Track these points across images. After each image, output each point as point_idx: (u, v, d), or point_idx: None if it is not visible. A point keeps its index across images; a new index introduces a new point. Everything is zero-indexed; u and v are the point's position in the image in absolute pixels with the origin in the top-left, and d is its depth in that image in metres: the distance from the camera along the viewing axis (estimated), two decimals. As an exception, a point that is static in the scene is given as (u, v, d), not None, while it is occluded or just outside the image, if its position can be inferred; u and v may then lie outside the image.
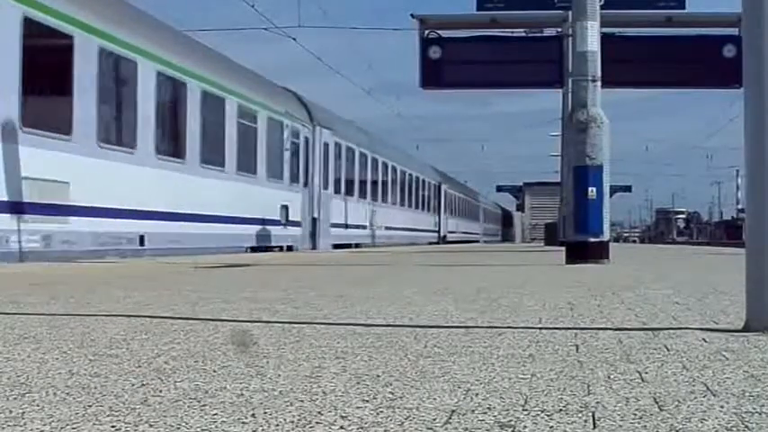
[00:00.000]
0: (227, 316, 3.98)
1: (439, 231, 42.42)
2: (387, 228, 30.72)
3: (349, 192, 25.83)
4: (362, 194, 27.73)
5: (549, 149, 69.19)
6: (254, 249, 18.27)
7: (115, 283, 6.43)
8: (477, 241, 58.16)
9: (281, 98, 21.05)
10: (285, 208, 20.42)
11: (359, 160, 27.18)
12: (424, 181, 39.20)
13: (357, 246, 26.01)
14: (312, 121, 22.50)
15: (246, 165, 18.11)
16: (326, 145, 23.36)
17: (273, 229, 19.60)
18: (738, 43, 6.93)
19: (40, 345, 2.97)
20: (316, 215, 22.27)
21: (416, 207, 37.43)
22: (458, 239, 48.13)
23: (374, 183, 29.37)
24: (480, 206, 65.21)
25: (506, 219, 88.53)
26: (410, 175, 35.95)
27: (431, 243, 38.53)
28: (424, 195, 39.21)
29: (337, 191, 24.38)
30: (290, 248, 20.49)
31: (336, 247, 23.13)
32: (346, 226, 25.38)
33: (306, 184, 21.88)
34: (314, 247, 21.77)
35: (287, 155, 20.63)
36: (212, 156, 16.48)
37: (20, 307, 4.43)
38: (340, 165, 24.83)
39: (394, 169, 32.67)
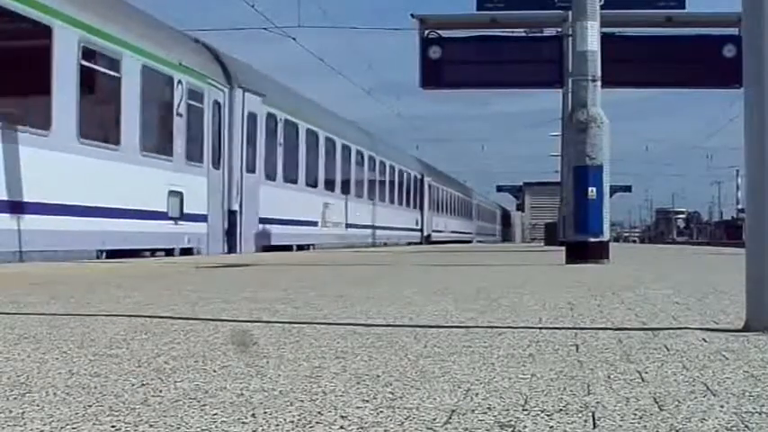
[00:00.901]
0: (227, 316, 3.98)
1: (422, 230, 37.88)
2: (349, 225, 25.62)
3: (290, 178, 20.26)
4: (311, 183, 21.95)
5: (549, 149, 69.12)
6: (113, 255, 12.83)
7: (115, 283, 6.43)
8: (470, 241, 54.41)
9: (178, 46, 15.53)
10: (177, 195, 14.82)
11: (306, 139, 21.47)
12: (401, 172, 34.16)
13: (304, 248, 21.11)
14: (230, 82, 16.94)
15: (101, 131, 12.74)
16: (253, 115, 17.70)
17: (148, 225, 13.94)
18: (738, 43, 6.92)
19: (40, 345, 2.97)
20: (234, 207, 16.79)
21: (391, 202, 32.20)
22: (445, 239, 43.61)
23: (330, 169, 23.66)
24: (473, 203, 60.95)
25: (505, 218, 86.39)
26: (382, 163, 30.54)
27: (411, 243, 34.18)
28: (401, 188, 34.10)
29: (271, 176, 18.88)
30: (187, 252, 15.20)
31: (270, 249, 18.16)
32: (285, 222, 19.72)
33: (218, 165, 16.42)
34: (230, 250, 16.58)
35: (180, 122, 14.93)
36: (27, 114, 11.21)
37: (20, 307, 4.43)
38: (276, 143, 19.17)
39: (360, 155, 27.09)
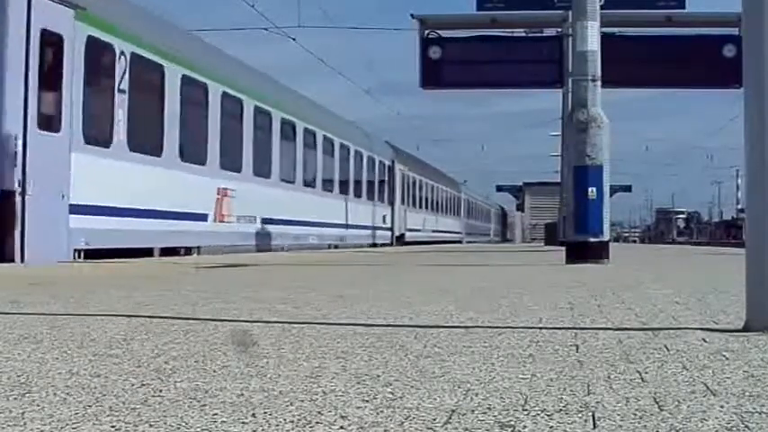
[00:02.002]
0: (227, 316, 3.98)
1: (392, 228, 31.15)
2: (270, 221, 18.56)
3: (147, 146, 13.19)
4: (195, 157, 14.82)
5: (549, 149, 69.06)
6: None
7: (115, 283, 6.43)
8: (460, 242, 49.23)
9: None
10: None
11: (182, 88, 14.19)
12: (362, 155, 27.01)
13: (179, 252, 14.37)
14: None
15: None
16: (54, 36, 10.56)
17: None
18: (738, 43, 6.94)
19: (40, 345, 2.97)
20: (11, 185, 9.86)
21: (343, 192, 24.74)
22: (425, 240, 37.43)
23: (231, 140, 16.39)
24: (462, 198, 54.16)
25: (501, 216, 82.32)
26: (330, 141, 23.28)
27: (378, 245, 28.16)
28: (362, 176, 26.95)
29: (100, 139, 11.84)
30: None
31: (101, 255, 11.51)
32: (131, 213, 12.79)
33: None
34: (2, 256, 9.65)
35: None
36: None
37: (20, 307, 4.43)
38: (113, 85, 12.20)
39: (291, 127, 20.07)
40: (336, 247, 23.61)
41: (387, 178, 30.97)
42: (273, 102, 19.08)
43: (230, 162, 16.39)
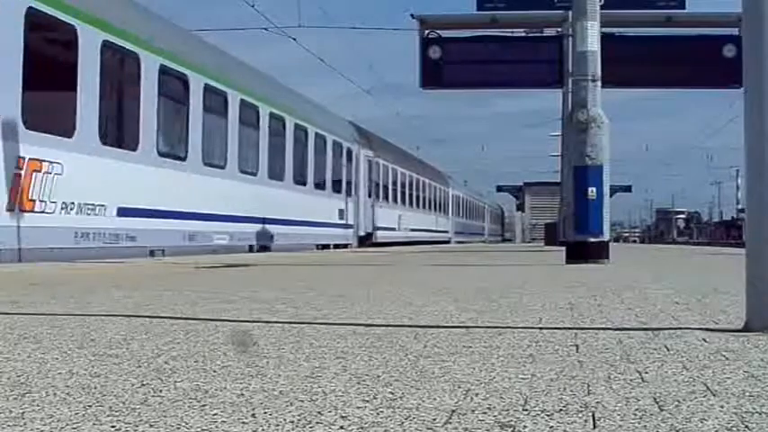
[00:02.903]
0: (228, 316, 3.98)
1: (355, 227, 25.91)
2: (159, 214, 13.88)
3: None
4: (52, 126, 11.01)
5: (549, 149, 68.99)
6: None
7: (115, 284, 6.43)
8: (447, 242, 44.54)
9: None
10: None
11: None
12: (305, 132, 21.39)
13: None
14: None
15: None
16: None
17: None
18: (738, 43, 6.95)
19: (40, 345, 2.97)
20: None
21: (278, 179, 19.53)
22: (401, 240, 32.21)
23: (103, 103, 12.06)
24: (450, 193, 48.74)
25: (496, 215, 78.34)
26: (255, 109, 18.08)
27: (326, 247, 22.87)
28: (305, 159, 21.57)
29: None
30: None
31: None
32: None
33: None
34: None
35: None
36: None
37: (20, 307, 4.43)
38: None
39: (212, 94, 15.84)
40: (266, 248, 18.36)
41: (346, 165, 24.94)
42: (200, 67, 15.26)
43: (103, 133, 12.12)
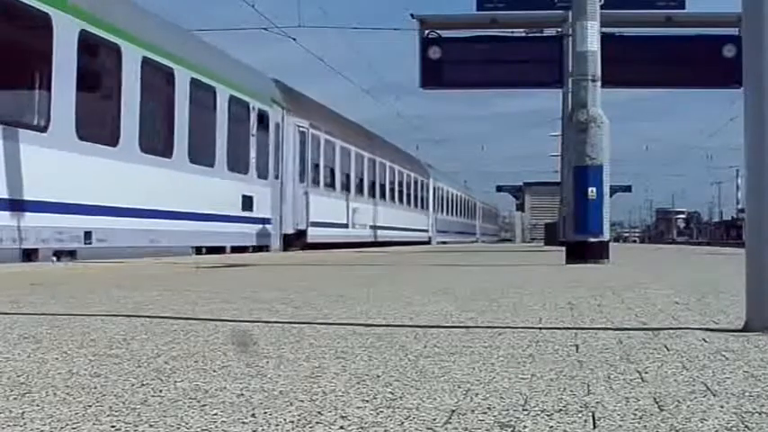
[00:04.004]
0: (227, 316, 3.98)
1: (280, 222, 19.54)
2: None
3: None
4: None
5: (549, 149, 69.03)
6: None
7: (115, 284, 6.43)
8: (427, 242, 38.98)
9: None
10: None
11: None
12: (184, 82, 14.89)
13: None
14: None
15: None
16: None
17: None
18: (738, 43, 6.95)
19: (40, 345, 2.97)
20: None
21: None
22: (354, 240, 25.36)
23: None
24: (432, 185, 41.60)
25: (491, 213, 72.68)
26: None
27: (217, 251, 16.43)
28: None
29: None
30: None
31: None
32: None
33: None
34: None
35: None
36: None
37: (20, 307, 4.43)
38: None
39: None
40: (72, 255, 11.80)
41: (260, 134, 18.32)
42: None
43: None
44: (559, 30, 17.97)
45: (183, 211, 14.91)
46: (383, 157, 31.41)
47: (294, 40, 25.58)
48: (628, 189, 60.54)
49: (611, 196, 11.56)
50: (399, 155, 36.06)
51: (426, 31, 17.39)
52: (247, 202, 17.92)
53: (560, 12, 17.06)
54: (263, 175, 18.81)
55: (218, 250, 16.56)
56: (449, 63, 17.49)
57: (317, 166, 22.63)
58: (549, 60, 17.91)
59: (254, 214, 18.26)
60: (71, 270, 8.60)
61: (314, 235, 21.75)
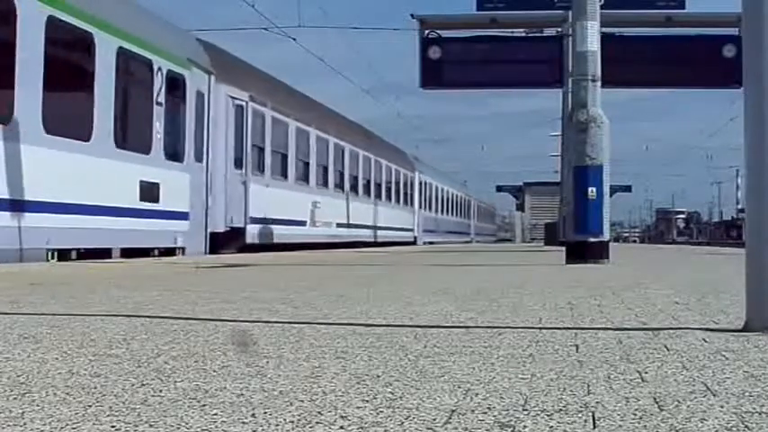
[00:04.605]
0: (227, 316, 3.98)
1: (205, 220, 15.68)
2: None
3: None
4: None
5: (549, 149, 69.03)
6: None
7: (115, 284, 6.43)
8: (413, 242, 36.04)
9: None
10: None
11: None
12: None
13: None
14: None
15: None
16: None
17: None
18: (738, 43, 6.95)
19: (40, 345, 2.97)
20: None
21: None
22: (319, 240, 22.24)
23: None
24: (418, 180, 38.02)
25: (486, 212, 68.80)
26: None
27: (98, 255, 12.30)
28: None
29: None
30: None
31: None
32: None
33: None
34: None
35: None
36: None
37: (20, 307, 4.43)
38: None
39: None
40: None
41: (169, 103, 14.31)
42: None
43: None
44: (559, 30, 17.97)
45: (32, 200, 10.69)
46: (356, 145, 27.17)
47: (294, 40, 25.58)
48: (628, 189, 60.52)
49: (611, 196, 11.57)
50: (378, 144, 31.82)
51: (426, 31, 17.39)
52: (149, 191, 13.61)
53: (560, 12, 17.07)
54: (175, 156, 14.55)
55: (102, 255, 12.51)
56: (449, 63, 17.49)
57: (261, 151, 18.66)
58: (549, 60, 17.91)
59: (160, 207, 13.90)
60: (71, 270, 8.60)
61: (256, 234, 18.15)
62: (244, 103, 17.60)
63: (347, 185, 26.36)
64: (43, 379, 2.29)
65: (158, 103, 14.01)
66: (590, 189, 10.80)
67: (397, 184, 34.32)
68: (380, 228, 30.59)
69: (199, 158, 15.57)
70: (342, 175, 25.77)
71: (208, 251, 15.68)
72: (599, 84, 11.02)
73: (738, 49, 12.94)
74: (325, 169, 23.92)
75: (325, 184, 23.92)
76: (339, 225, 24.88)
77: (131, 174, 13.13)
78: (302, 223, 21.53)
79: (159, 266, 9.72)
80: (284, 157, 20.48)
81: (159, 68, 13.97)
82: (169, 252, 14.46)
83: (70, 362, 2.59)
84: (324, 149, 23.75)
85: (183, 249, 14.86)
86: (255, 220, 18.06)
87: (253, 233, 17.94)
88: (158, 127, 14.01)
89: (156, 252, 14.25)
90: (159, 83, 14.02)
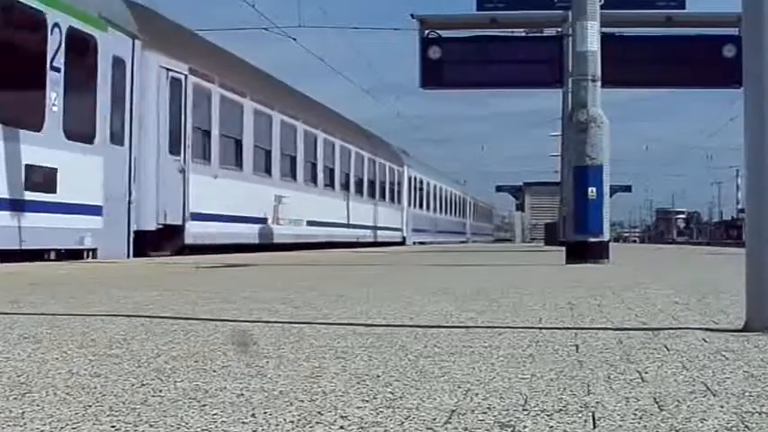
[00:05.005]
0: (227, 316, 3.98)
1: (128, 215, 12.93)
2: None
3: None
4: None
5: (548, 149, 68.96)
6: None
7: (115, 284, 6.43)
8: (401, 242, 33.43)
9: None
10: None
11: None
12: None
13: None
14: None
15: None
16: None
17: None
18: (738, 43, 6.96)
19: (40, 345, 2.97)
20: None
21: None
22: (276, 240, 19.32)
23: None
24: (407, 175, 35.52)
25: (483, 210, 66.73)
26: None
27: (19, 257, 10.41)
28: None
29: None
30: None
31: None
32: None
33: None
34: None
35: None
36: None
37: (20, 307, 4.43)
38: None
39: None
40: None
41: (74, 71, 11.65)
42: None
43: None
44: (559, 30, 17.97)
45: None
46: (332, 134, 24.33)
47: (294, 40, 25.56)
48: (628, 189, 60.47)
49: (611, 196, 11.57)
50: (360, 134, 28.91)
51: (426, 31, 17.39)
52: (40, 179, 10.96)
53: (560, 12, 17.07)
54: (81, 136, 11.90)
55: None
56: (449, 63, 17.49)
57: (206, 135, 15.91)
58: (549, 60, 17.90)
59: (57, 198, 11.29)
60: (71, 270, 8.60)
61: (199, 233, 15.32)
62: (182, 77, 14.76)
63: (321, 179, 23.57)
64: (43, 379, 2.29)
65: (54, 69, 11.12)
66: (590, 189, 10.79)
67: (383, 178, 31.59)
68: (362, 227, 27.91)
69: (118, 140, 12.81)
70: (314, 166, 22.95)
71: (131, 253, 12.90)
72: (599, 84, 11.01)
73: (738, 49, 12.93)
74: (293, 159, 21.16)
75: (293, 176, 21.18)
76: (311, 223, 22.18)
77: (11, 156, 10.35)
78: (262, 221, 19.04)
79: (159, 267, 9.73)
80: (238, 143, 17.73)
81: (56, 24, 11.15)
82: (77, 255, 11.93)
83: (70, 362, 2.59)
84: (290, 137, 20.84)
85: (93, 251, 12.15)
86: (198, 216, 15.24)
87: (194, 231, 15.14)
88: (54, 98, 11.12)
89: (54, 255, 11.83)
90: (56, 43, 11.14)
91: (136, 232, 13.23)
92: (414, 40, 17.71)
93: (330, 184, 24.43)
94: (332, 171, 24.58)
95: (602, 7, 11.30)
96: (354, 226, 26.70)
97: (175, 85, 14.56)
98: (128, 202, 12.99)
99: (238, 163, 17.73)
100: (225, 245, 16.46)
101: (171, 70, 14.41)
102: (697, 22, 17.89)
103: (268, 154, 19.38)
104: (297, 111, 21.55)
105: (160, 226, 13.97)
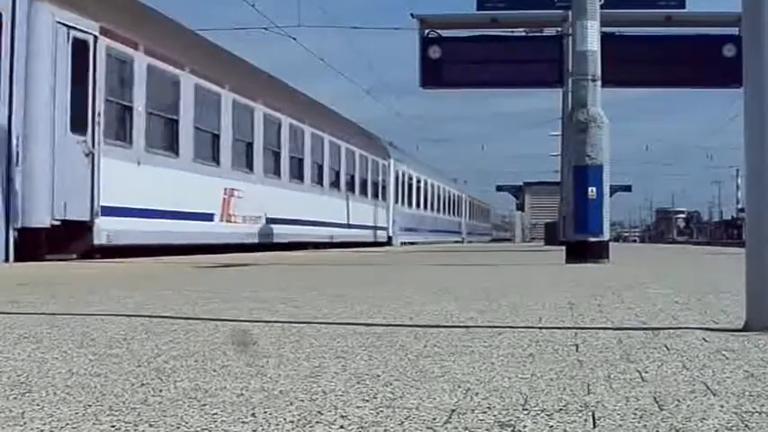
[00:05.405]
0: (228, 316, 3.98)
1: (5, 211, 10.32)
2: None
3: None
4: None
5: (549, 149, 68.91)
6: None
7: (115, 283, 6.43)
8: (386, 242, 31.06)
9: None
10: None
11: None
12: None
13: None
14: None
15: None
16: None
17: None
18: (738, 43, 6.97)
19: (40, 344, 2.97)
20: None
21: None
22: (224, 241, 16.48)
23: None
24: (393, 169, 32.65)
25: (480, 209, 64.39)
26: None
27: None
28: None
29: None
30: None
31: None
32: None
33: None
34: None
35: None
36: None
37: (20, 307, 4.43)
38: None
39: None
40: None
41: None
42: None
43: None
44: (559, 29, 17.97)
45: None
46: (300, 120, 21.36)
47: (294, 39, 25.53)
48: (628, 189, 60.38)
49: (611, 196, 11.56)
50: (337, 122, 25.87)
51: (426, 31, 17.39)
52: None
53: (560, 11, 17.07)
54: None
55: None
56: (449, 63, 17.49)
57: (126, 111, 13.00)
58: (549, 60, 17.92)
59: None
60: (71, 270, 8.60)
61: (117, 231, 12.51)
62: (90, 38, 11.72)
63: (286, 170, 20.52)
64: (43, 379, 2.29)
65: None
66: (590, 189, 10.80)
67: (364, 172, 28.31)
68: (339, 225, 24.92)
69: (9, 113, 10.28)
70: (278, 156, 19.95)
71: (12, 257, 10.39)
72: (599, 84, 11.01)
73: (738, 49, 12.93)
74: (250, 146, 18.21)
75: (250, 166, 18.22)
76: (273, 221, 19.30)
77: None
78: (208, 217, 16.12)
79: (159, 266, 9.72)
80: (172, 123, 14.60)
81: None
82: None
83: (70, 362, 2.59)
84: (247, 120, 18.04)
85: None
86: (114, 211, 12.37)
87: (107, 229, 12.19)
88: None
89: None
90: None
91: (22, 230, 10.66)
92: (414, 40, 17.73)
93: (299, 176, 21.51)
94: (300, 161, 21.59)
95: (602, 7, 11.30)
96: (330, 224, 23.86)
97: (79, 46, 11.49)
98: (5, 192, 10.32)
99: (173, 147, 14.61)
100: (155, 246, 13.65)
101: (73, 28, 11.35)
102: (697, 21, 17.89)
103: (215, 138, 16.40)
104: (255, 90, 18.67)
105: (57, 222, 11.06)
